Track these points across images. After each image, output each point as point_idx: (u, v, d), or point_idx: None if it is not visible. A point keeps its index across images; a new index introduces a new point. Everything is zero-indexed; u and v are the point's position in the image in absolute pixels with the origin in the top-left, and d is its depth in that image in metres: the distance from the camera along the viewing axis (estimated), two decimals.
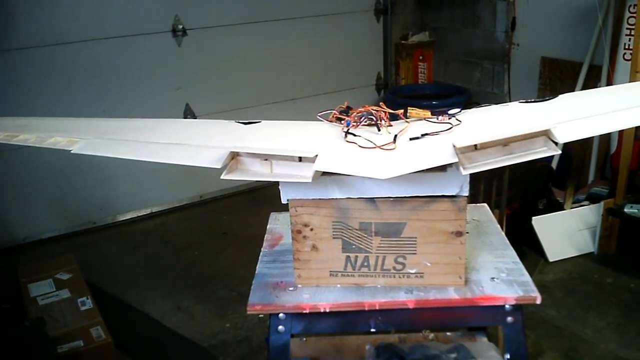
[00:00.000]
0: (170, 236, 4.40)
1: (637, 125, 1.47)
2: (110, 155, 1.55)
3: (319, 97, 5.13)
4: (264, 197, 4.65)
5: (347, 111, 1.65)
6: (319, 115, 1.69)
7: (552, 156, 4.15)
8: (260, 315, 2.92)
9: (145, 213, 4.70)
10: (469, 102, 4.95)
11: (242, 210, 4.71)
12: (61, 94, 4.15)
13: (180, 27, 4.49)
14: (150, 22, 4.40)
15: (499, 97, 4.97)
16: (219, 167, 1.40)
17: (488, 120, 1.66)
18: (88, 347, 2.73)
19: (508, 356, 1.58)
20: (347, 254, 1.56)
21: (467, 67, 5.26)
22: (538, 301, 1.52)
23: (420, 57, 5.58)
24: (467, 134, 1.49)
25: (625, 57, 3.84)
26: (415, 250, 1.54)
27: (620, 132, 3.77)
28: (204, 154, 1.50)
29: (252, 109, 4.79)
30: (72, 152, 1.55)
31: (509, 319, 1.55)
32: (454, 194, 1.47)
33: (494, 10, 4.86)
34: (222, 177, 1.39)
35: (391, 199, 1.49)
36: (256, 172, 1.42)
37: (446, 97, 5.07)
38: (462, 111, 1.64)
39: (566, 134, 1.39)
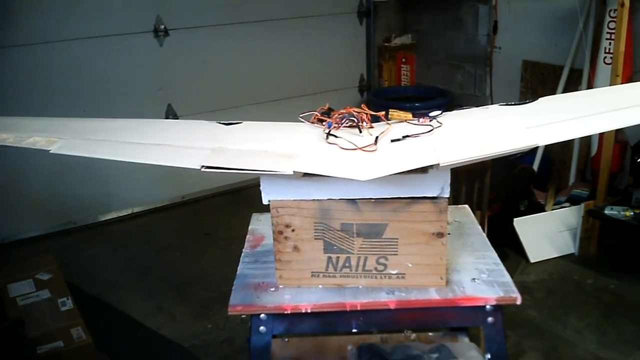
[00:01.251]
0: (151, 237, 4.38)
1: (616, 128, 1.49)
2: (89, 156, 1.53)
3: (301, 99, 5.12)
4: (246, 197, 4.63)
5: (328, 112, 1.65)
6: (301, 117, 1.70)
7: (534, 158, 4.23)
8: (242, 316, 2.92)
9: (126, 213, 4.67)
10: (451, 104, 4.97)
11: (224, 211, 4.70)
12: (41, 93, 4.11)
13: (162, 27, 4.47)
14: (131, 22, 4.38)
15: (480, 99, 5.00)
16: (199, 167, 1.39)
17: (469, 123, 1.67)
18: (68, 348, 2.70)
19: (489, 356, 1.59)
20: (329, 254, 1.57)
21: (449, 70, 5.29)
22: (518, 302, 1.53)
23: (403, 60, 5.60)
24: (448, 138, 1.50)
25: (606, 61, 3.88)
26: (396, 251, 1.55)
27: (601, 135, 3.80)
28: (185, 154, 1.49)
29: (234, 109, 4.77)
30: (51, 152, 1.53)
31: (490, 319, 1.56)
32: (435, 195, 1.48)
33: (476, 14, 4.89)
34: (202, 169, 1.38)
35: (372, 200, 1.50)
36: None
37: (428, 99, 5.09)
38: (444, 113, 1.65)
39: (546, 137, 1.40)
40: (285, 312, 1.54)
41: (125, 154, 1.53)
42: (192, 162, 1.42)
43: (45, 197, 4.32)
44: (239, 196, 4.82)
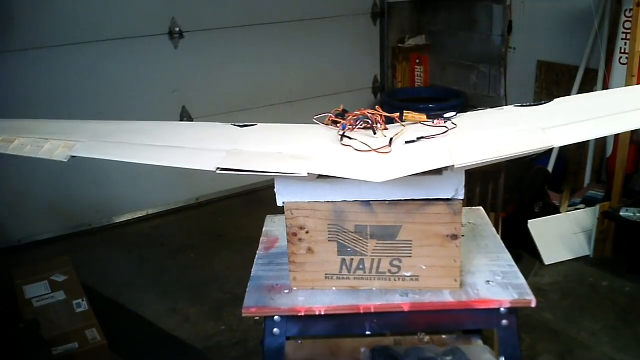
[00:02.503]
0: (165, 238, 4.39)
1: (632, 129, 1.48)
2: (106, 158, 1.54)
3: (315, 100, 5.12)
4: (260, 199, 4.64)
5: (343, 114, 1.66)
6: (315, 119, 1.70)
7: (549, 159, 4.20)
8: (256, 318, 2.92)
9: (141, 215, 4.69)
10: (465, 105, 4.95)
11: (238, 213, 4.71)
12: (57, 96, 4.13)
13: (177, 29, 4.49)
14: (146, 24, 4.39)
15: (495, 100, 4.98)
16: (215, 169, 1.40)
17: (484, 124, 1.67)
18: (83, 350, 2.72)
19: (503, 359, 1.58)
20: (343, 256, 1.57)
21: (463, 71, 5.27)
22: (533, 304, 1.52)
23: (417, 61, 5.58)
24: (463, 140, 1.50)
25: (622, 61, 3.85)
26: (410, 253, 1.54)
27: (616, 136, 3.77)
28: (200, 156, 1.50)
29: (248, 111, 4.79)
30: (68, 154, 1.55)
31: (504, 322, 1.55)
32: (449, 197, 1.48)
33: (491, 14, 4.87)
34: (217, 172, 1.39)
35: (387, 202, 1.50)
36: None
37: (443, 100, 5.07)
38: (458, 115, 1.65)
39: (561, 139, 1.40)
40: (299, 314, 1.54)
41: (141, 157, 1.54)
42: (208, 164, 1.43)
43: (60, 199, 4.34)
44: (253, 198, 4.83)
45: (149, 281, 3.80)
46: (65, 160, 1.55)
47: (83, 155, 1.54)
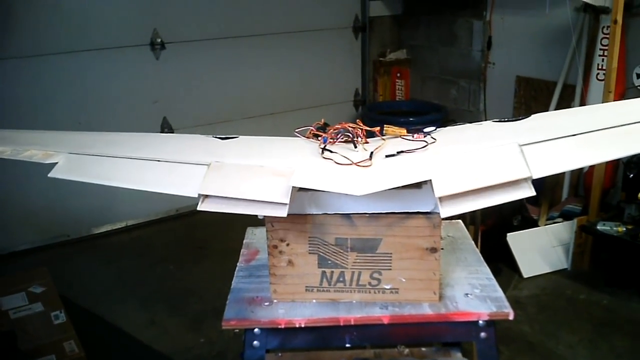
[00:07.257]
0: (145, 250, 4.37)
1: (611, 159, 1.50)
2: (86, 181, 1.55)
3: (297, 112, 5.14)
4: None
5: (324, 128, 1.67)
6: (296, 132, 1.71)
7: None
8: (235, 330, 2.91)
9: (120, 226, 4.67)
10: (445, 119, 5.00)
11: (218, 224, 4.68)
12: (37, 105, 4.11)
13: (159, 40, 4.49)
14: (128, 35, 4.39)
15: (474, 114, 5.02)
16: (196, 195, 1.41)
17: (462, 140, 1.68)
18: None
19: None
20: (323, 269, 1.57)
21: (443, 85, 5.31)
22: (511, 317, 1.54)
23: (398, 74, 5.62)
24: (443, 160, 1.49)
25: (599, 77, 3.91)
26: (390, 266, 1.55)
27: None
28: (182, 175, 1.51)
29: (230, 123, 4.79)
30: (49, 175, 1.55)
31: (482, 334, 1.56)
32: (428, 210, 1.49)
33: (471, 30, 4.92)
34: (198, 208, 1.42)
35: (367, 215, 1.51)
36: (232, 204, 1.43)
37: (423, 114, 5.10)
38: (437, 129, 1.66)
39: (541, 170, 1.42)
40: (279, 327, 1.54)
41: (122, 178, 1.55)
42: (189, 189, 1.46)
43: (39, 209, 4.31)
44: None
45: (127, 293, 3.77)
46: (49, 175, 1.56)
47: (62, 177, 1.55)
